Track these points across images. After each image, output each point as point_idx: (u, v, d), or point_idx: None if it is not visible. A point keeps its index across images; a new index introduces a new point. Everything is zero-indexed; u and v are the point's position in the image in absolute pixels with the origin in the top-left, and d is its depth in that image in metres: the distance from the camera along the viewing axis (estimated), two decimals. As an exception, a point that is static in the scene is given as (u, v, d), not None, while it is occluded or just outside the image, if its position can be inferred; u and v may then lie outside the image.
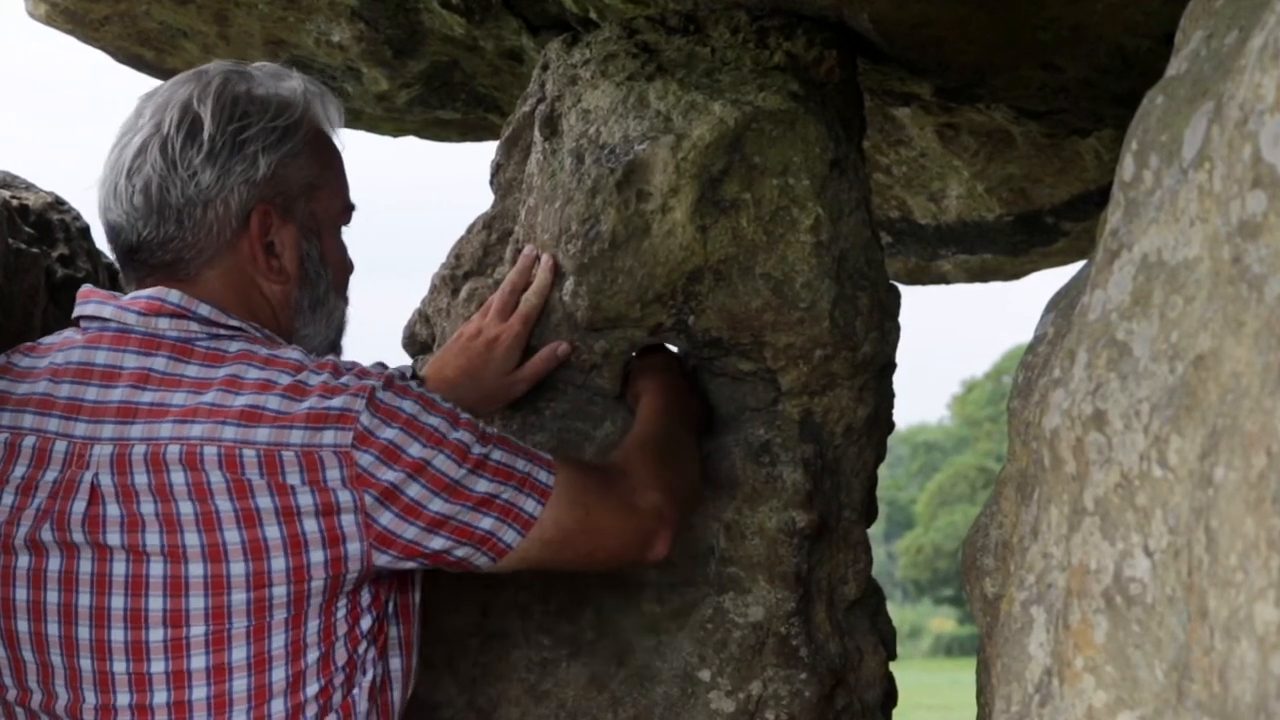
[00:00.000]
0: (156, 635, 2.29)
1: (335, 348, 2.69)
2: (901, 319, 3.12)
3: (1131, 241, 1.81)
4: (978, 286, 5.09)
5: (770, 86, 3.00)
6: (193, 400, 2.34)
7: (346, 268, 2.73)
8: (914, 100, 3.70)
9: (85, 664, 2.32)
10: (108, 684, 2.31)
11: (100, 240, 3.28)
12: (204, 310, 2.44)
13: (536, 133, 3.13)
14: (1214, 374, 1.56)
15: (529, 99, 3.24)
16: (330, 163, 2.68)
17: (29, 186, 3.21)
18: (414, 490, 2.34)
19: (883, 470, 3.27)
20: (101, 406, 2.38)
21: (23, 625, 2.35)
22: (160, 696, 2.30)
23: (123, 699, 2.31)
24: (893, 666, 3.16)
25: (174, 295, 2.45)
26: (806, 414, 2.98)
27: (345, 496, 2.30)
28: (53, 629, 2.33)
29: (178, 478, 2.29)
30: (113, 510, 2.31)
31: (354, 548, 2.32)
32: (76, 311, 2.51)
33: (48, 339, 2.55)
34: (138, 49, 3.92)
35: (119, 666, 2.30)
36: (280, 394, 2.33)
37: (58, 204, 3.18)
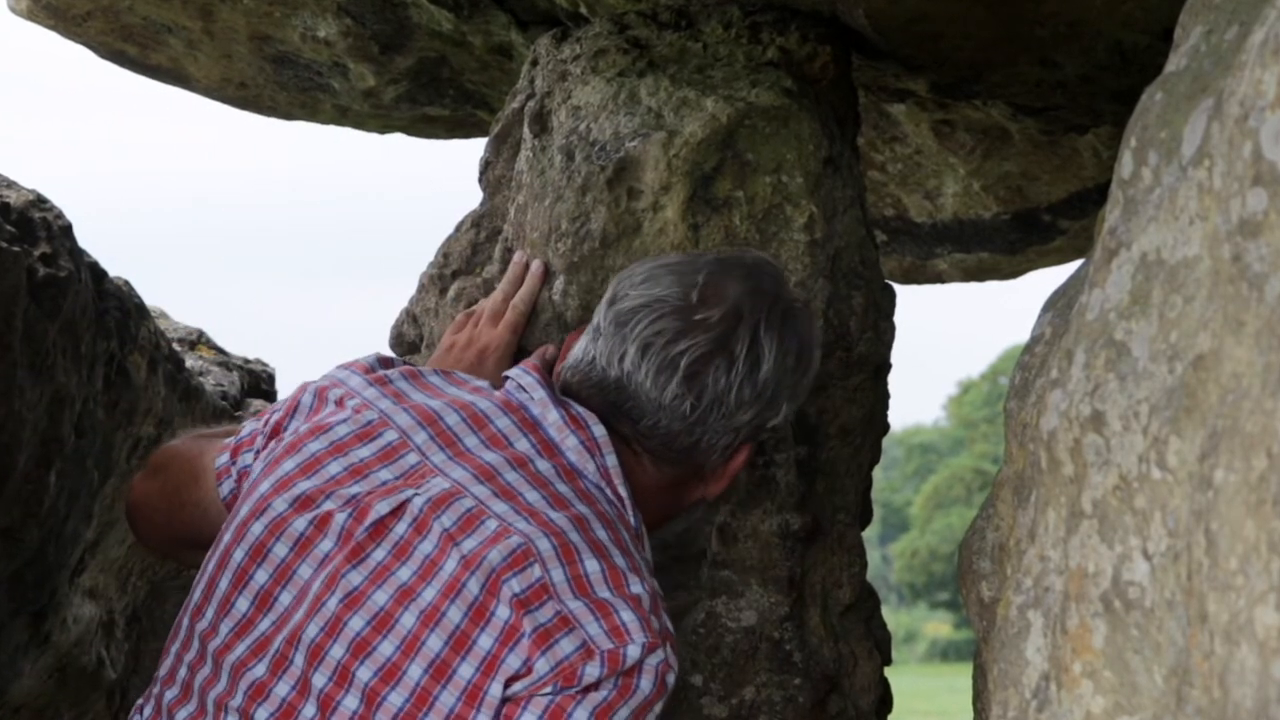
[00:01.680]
0: (365, 674, 2.26)
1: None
2: (896, 318, 3.12)
3: (1130, 240, 1.81)
4: (974, 286, 5.10)
5: (763, 83, 3.00)
6: (540, 505, 2.33)
7: None
8: (909, 97, 3.70)
9: (283, 645, 2.31)
10: (298, 682, 2.29)
11: (83, 239, 3.27)
12: (609, 461, 2.44)
13: (526, 129, 3.12)
14: (1214, 374, 1.56)
15: (518, 95, 3.24)
16: None
17: (10, 184, 3.20)
18: None
19: (877, 472, 3.27)
20: (470, 455, 2.38)
21: (261, 576, 2.35)
22: None
23: (304, 706, 2.29)
24: (887, 672, 3.16)
25: (600, 431, 2.46)
26: (800, 415, 2.97)
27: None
28: (284, 597, 2.33)
29: (471, 544, 2.27)
30: (401, 529, 2.31)
31: None
32: (513, 370, 2.56)
33: (468, 377, 2.60)
34: (121, 44, 3.92)
35: (318, 679, 2.28)
36: (609, 599, 2.28)
37: (39, 202, 3.17)
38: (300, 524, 2.35)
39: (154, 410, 3.41)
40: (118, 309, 3.34)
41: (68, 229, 3.19)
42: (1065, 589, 1.86)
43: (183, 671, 2.39)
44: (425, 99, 3.98)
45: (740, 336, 2.47)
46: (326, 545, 2.33)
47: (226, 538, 2.41)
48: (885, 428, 3.18)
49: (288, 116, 4.26)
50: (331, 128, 4.30)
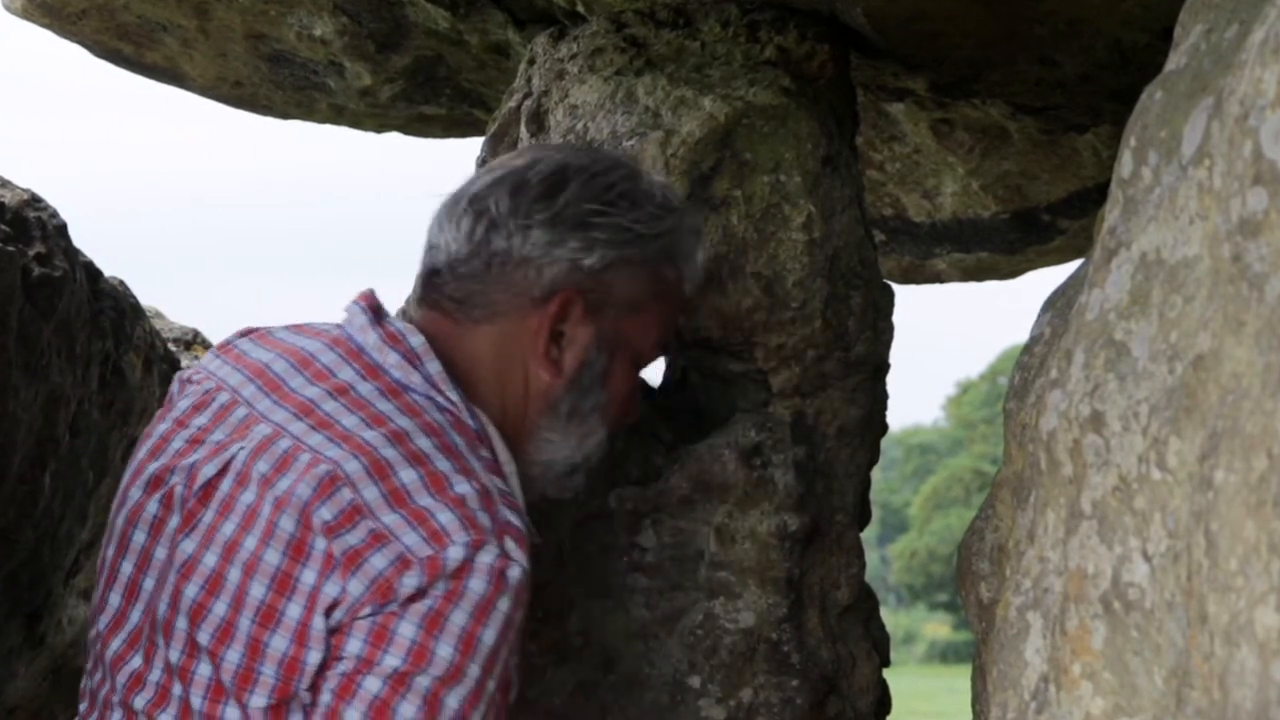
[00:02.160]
0: (204, 638, 2.23)
1: (575, 471, 2.58)
2: (895, 319, 3.12)
3: (1130, 240, 1.81)
4: (973, 285, 5.10)
5: (761, 81, 3.00)
6: (356, 428, 2.28)
7: (625, 405, 2.62)
8: (908, 96, 3.70)
9: (149, 631, 2.30)
10: (165, 663, 2.28)
11: (78, 238, 3.27)
12: (433, 368, 2.40)
13: (523, 129, 3.12)
14: (1214, 375, 1.56)
15: (515, 94, 3.24)
16: (664, 301, 2.60)
17: (4, 183, 3.20)
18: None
19: (876, 473, 3.27)
20: (293, 395, 2.35)
21: (127, 567, 2.36)
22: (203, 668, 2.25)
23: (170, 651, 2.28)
24: (886, 673, 3.16)
25: (418, 340, 2.42)
26: (798, 416, 2.97)
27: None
28: (147, 583, 2.34)
29: (285, 483, 2.24)
30: (226, 486, 2.29)
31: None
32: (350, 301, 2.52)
33: (322, 325, 2.55)
34: (116, 43, 3.92)
35: (174, 655, 2.26)
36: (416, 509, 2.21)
37: (34, 201, 3.17)
38: (152, 506, 2.35)
39: (149, 410, 3.41)
40: (113, 309, 3.34)
41: (62, 228, 3.19)
42: (1064, 590, 1.86)
43: (86, 681, 2.41)
44: (422, 98, 3.98)
45: (541, 166, 2.50)
46: (173, 520, 2.32)
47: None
48: (884, 428, 3.18)
49: (284, 115, 4.26)
50: (328, 127, 4.30)
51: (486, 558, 2.18)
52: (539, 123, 3.09)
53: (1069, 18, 3.02)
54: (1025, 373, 2.22)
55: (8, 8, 3.86)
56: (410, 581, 2.14)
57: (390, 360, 2.40)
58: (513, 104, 3.23)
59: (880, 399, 3.11)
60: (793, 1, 3.06)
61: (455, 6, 3.49)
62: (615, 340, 2.52)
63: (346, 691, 2.13)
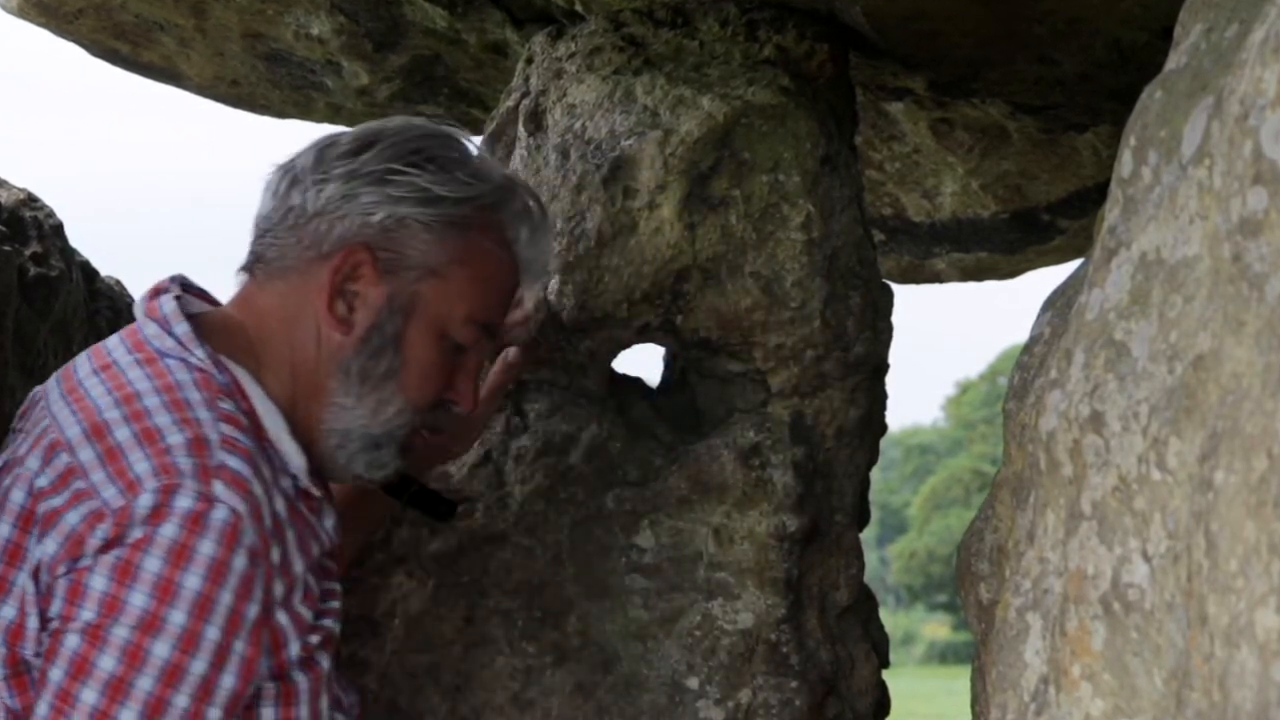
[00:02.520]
0: None
1: (378, 447, 2.45)
2: (894, 319, 3.11)
3: (1130, 239, 1.81)
4: (972, 285, 5.10)
5: (760, 81, 3.00)
6: (95, 393, 2.27)
7: (433, 382, 2.48)
8: (907, 95, 3.70)
9: None
10: None
11: (74, 238, 3.27)
12: (180, 330, 2.35)
13: (521, 128, 3.12)
14: (1214, 375, 1.56)
15: (513, 93, 3.24)
16: (475, 272, 2.47)
17: (1, 183, 3.20)
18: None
19: (875, 473, 3.27)
20: (71, 382, 2.34)
21: None
22: None
23: None
24: (885, 674, 3.16)
25: (170, 306, 2.38)
26: (797, 416, 2.97)
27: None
28: None
29: (30, 460, 2.25)
30: (4, 485, 2.27)
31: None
32: None
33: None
34: (113, 42, 3.91)
35: None
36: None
37: (30, 201, 3.17)
38: None
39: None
40: (109, 308, 3.34)
41: (59, 228, 3.19)
42: (1064, 591, 1.85)
43: None
44: (419, 97, 3.98)
45: (360, 132, 2.49)
46: None
47: None
48: (883, 428, 3.17)
49: (281, 115, 4.26)
50: (325, 126, 4.30)
51: (183, 502, 2.11)
52: (537, 122, 3.09)
53: (1068, 16, 3.01)
54: (1025, 373, 2.22)
55: (5, 7, 3.85)
56: (101, 533, 2.10)
57: (150, 331, 2.36)
58: (510, 103, 3.23)
59: (879, 399, 3.11)
60: (792, 1, 3.05)
61: (453, 5, 3.49)
62: (412, 304, 2.42)
63: (52, 652, 2.11)
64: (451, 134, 2.53)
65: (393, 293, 2.41)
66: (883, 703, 3.12)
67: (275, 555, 2.22)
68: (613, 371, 3.07)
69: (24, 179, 3.26)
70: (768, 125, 2.96)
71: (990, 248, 4.65)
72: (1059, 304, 2.24)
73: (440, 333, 2.45)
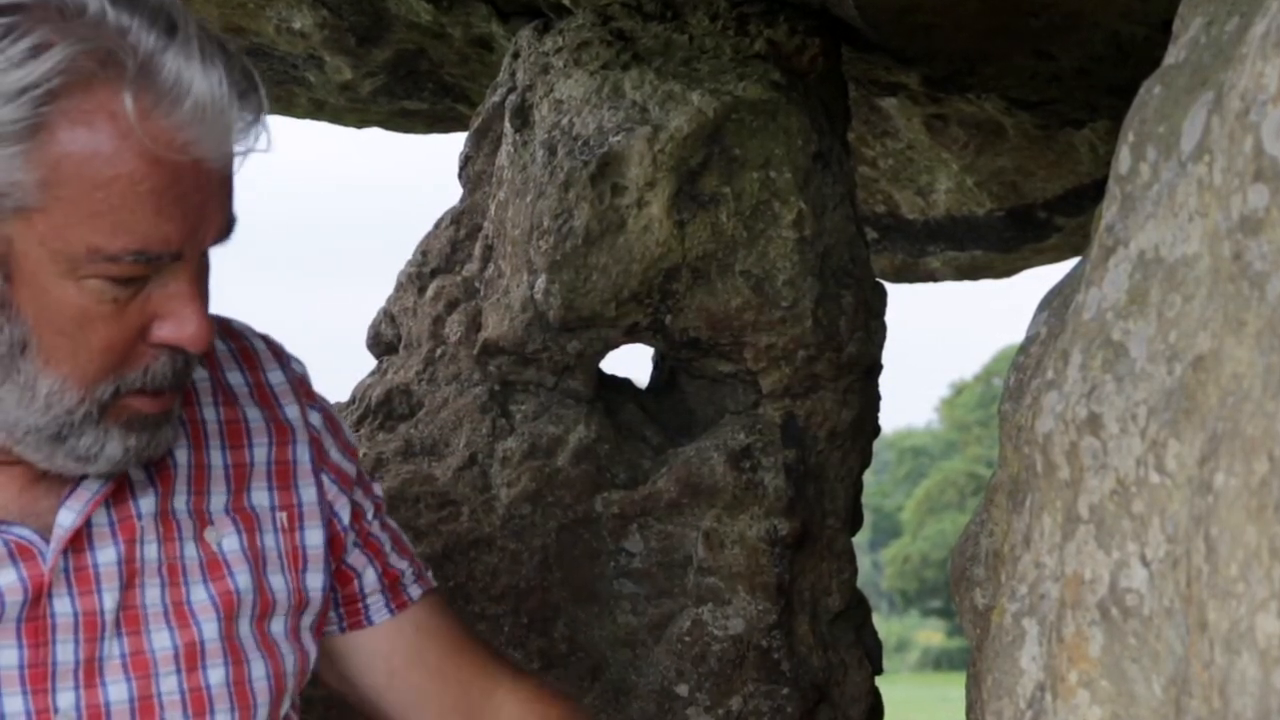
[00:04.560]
0: None
1: (59, 438, 1.80)
2: (888, 318, 3.12)
3: (1128, 237, 1.81)
4: (967, 284, 5.11)
5: (751, 76, 3.00)
6: None
7: (90, 341, 1.78)
8: (901, 90, 3.70)
9: None
10: None
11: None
12: None
13: (507, 124, 3.12)
14: (1214, 376, 1.56)
15: (499, 89, 3.24)
16: (82, 188, 1.70)
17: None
18: None
19: (868, 476, 3.27)
20: None
21: None
22: None
23: None
24: (878, 681, 3.16)
25: None
26: (789, 417, 2.97)
27: None
28: None
29: None
30: None
31: None
32: None
33: None
34: (89, 35, 3.91)
35: None
36: None
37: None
38: None
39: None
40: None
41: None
42: (1061, 596, 1.85)
43: None
44: (403, 92, 3.98)
45: None
46: None
47: None
48: (876, 430, 3.18)
49: (262, 110, 4.25)
50: (307, 122, 4.29)
51: None
52: (523, 118, 3.09)
53: (1066, 10, 3.02)
54: (1021, 374, 2.22)
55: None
56: None
57: None
58: (496, 99, 3.23)
59: (872, 400, 3.11)
60: (783, -6, 3.06)
61: (437, -1, 3.50)
62: (5, 258, 1.72)
63: None
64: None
65: None
66: (876, 710, 3.13)
67: None
68: (601, 372, 3.07)
69: None
70: (758, 121, 2.96)
71: (985, 246, 4.65)
72: (1055, 303, 2.24)
73: (75, 277, 1.74)
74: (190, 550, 1.94)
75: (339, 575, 2.12)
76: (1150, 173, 1.81)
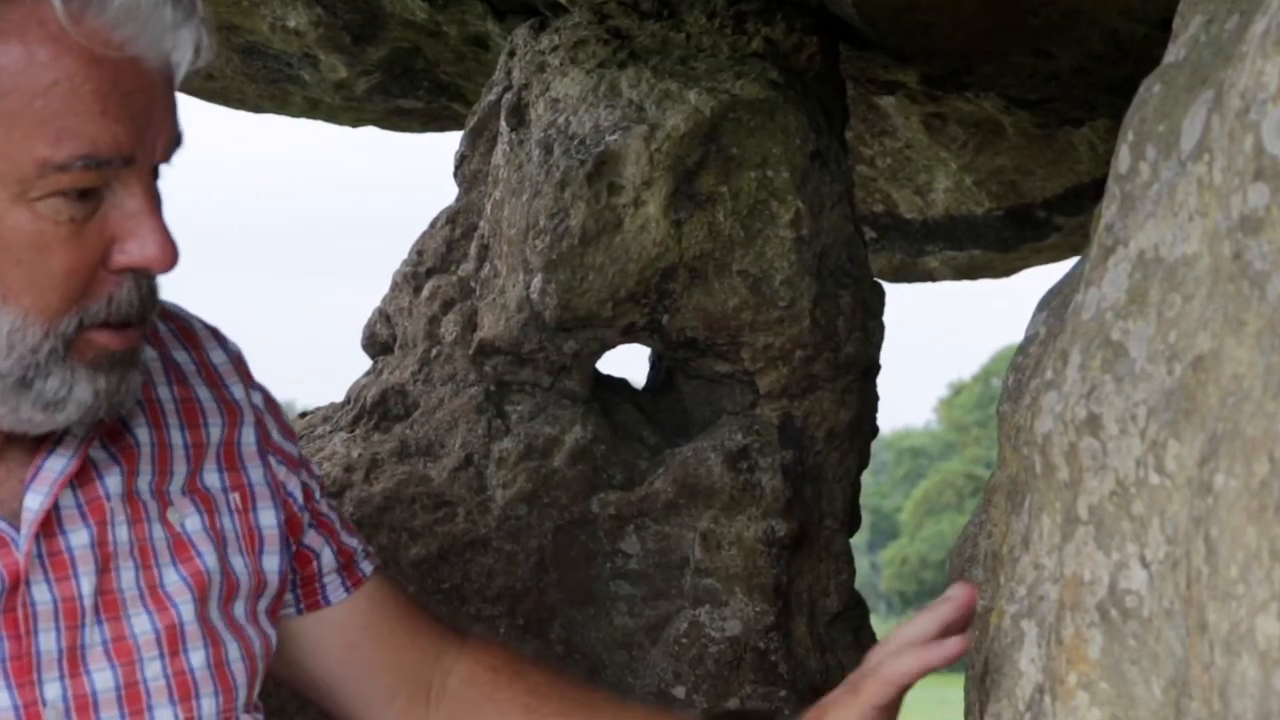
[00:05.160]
0: None
1: (24, 384, 1.73)
2: (886, 318, 3.12)
3: (1127, 237, 1.81)
4: (966, 284, 5.11)
5: (748, 74, 3.00)
6: None
7: (43, 266, 1.69)
8: (899, 89, 3.70)
9: None
10: None
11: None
12: None
13: (503, 123, 3.12)
14: (1214, 376, 1.56)
15: (495, 87, 3.24)
16: (21, 97, 1.65)
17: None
18: None
19: (866, 477, 3.27)
20: None
21: None
22: None
23: None
24: (877, 683, 3.15)
25: None
26: (786, 418, 2.97)
27: None
28: None
29: None
30: None
31: None
32: None
33: None
34: (83, 34, 3.90)
35: None
36: None
37: None
38: None
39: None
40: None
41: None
42: (1060, 598, 1.85)
43: None
44: (398, 91, 3.97)
45: None
46: None
47: None
48: (874, 431, 3.18)
49: (257, 109, 4.25)
50: (302, 121, 4.29)
51: None
52: (519, 116, 3.09)
53: (1064, 8, 3.02)
54: (1019, 374, 2.21)
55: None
56: None
57: None
58: (492, 97, 3.23)
59: (870, 401, 3.11)
60: (780, -8, 3.06)
61: (433, -3, 3.50)
62: None
63: None
64: None
65: None
66: (874, 712, 3.12)
67: None
68: (597, 372, 3.07)
69: None
70: (756, 120, 2.96)
71: (984, 245, 4.65)
72: (1054, 303, 2.24)
73: (28, 200, 1.67)
74: (157, 531, 1.92)
75: (298, 557, 2.10)
76: (1150, 172, 1.81)
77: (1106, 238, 1.87)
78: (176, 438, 1.98)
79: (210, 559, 1.94)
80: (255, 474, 2.04)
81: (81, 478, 1.87)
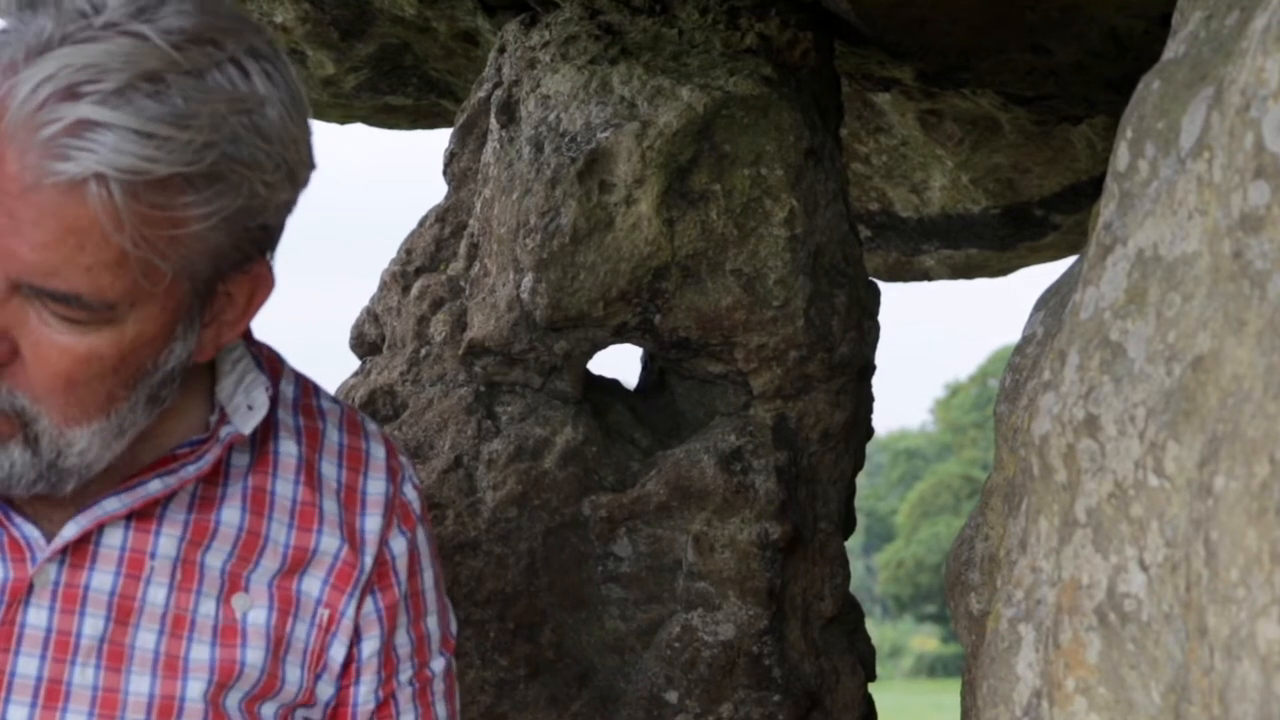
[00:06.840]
0: None
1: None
2: (881, 318, 3.12)
3: (1126, 235, 1.81)
4: (962, 283, 5.11)
5: (741, 70, 3.00)
6: None
7: None
8: (894, 85, 3.70)
9: None
10: None
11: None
12: None
13: (493, 120, 3.12)
14: (1214, 376, 1.56)
15: (485, 84, 3.23)
16: None
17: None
18: None
19: (861, 479, 3.27)
20: None
21: None
22: None
23: None
24: (872, 688, 3.16)
25: None
26: (780, 419, 2.97)
27: None
28: None
29: None
30: None
31: None
32: None
33: None
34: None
35: None
36: None
37: None
38: None
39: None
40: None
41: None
42: (1058, 601, 1.85)
43: None
44: (387, 88, 3.97)
45: None
46: None
47: None
48: (869, 432, 3.18)
49: (243, 105, 4.25)
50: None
51: None
52: (509, 113, 3.09)
53: (1062, 4, 3.02)
54: (1017, 374, 2.22)
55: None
56: None
57: None
58: (482, 94, 3.22)
59: (865, 402, 3.11)
60: (774, -13, 3.06)
61: (422, -8, 3.49)
62: None
63: None
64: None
65: None
66: (869, 717, 3.13)
67: None
68: (588, 373, 3.07)
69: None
70: (749, 117, 2.96)
71: (981, 244, 4.65)
72: (1052, 303, 2.24)
73: None
74: (207, 607, 1.93)
75: (339, 695, 2.08)
76: (1149, 169, 1.81)
77: (1105, 236, 1.87)
78: (279, 534, 2.00)
79: (254, 654, 1.95)
80: (349, 605, 2.03)
81: (139, 528, 1.90)
